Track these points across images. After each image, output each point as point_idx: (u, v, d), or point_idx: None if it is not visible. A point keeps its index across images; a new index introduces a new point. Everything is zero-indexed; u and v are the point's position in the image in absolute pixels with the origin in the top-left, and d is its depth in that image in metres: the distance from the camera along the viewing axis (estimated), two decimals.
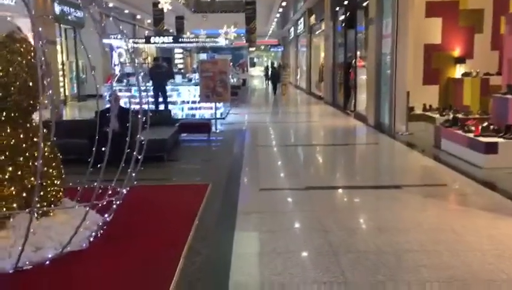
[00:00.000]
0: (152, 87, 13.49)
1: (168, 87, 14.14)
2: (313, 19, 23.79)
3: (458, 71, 11.33)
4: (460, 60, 11.26)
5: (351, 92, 15.95)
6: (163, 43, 15.70)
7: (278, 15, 31.08)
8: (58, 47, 20.27)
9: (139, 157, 4.95)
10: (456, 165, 7.27)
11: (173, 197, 5.95)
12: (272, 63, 33.40)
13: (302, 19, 27.64)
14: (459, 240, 4.22)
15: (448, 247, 4.04)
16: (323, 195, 5.89)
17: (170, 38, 15.78)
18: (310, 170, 7.45)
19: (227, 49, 51.81)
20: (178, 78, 14.39)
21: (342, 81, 17.21)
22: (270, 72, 26.89)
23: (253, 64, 61.62)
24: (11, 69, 4.33)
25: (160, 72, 13.50)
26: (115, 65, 20.64)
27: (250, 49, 56.03)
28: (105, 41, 17.04)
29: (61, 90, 20.17)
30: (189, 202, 5.61)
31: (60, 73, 21.08)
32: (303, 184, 6.33)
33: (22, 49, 4.48)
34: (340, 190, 6.20)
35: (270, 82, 25.68)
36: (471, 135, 7.51)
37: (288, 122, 14.13)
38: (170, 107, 13.87)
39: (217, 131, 11.45)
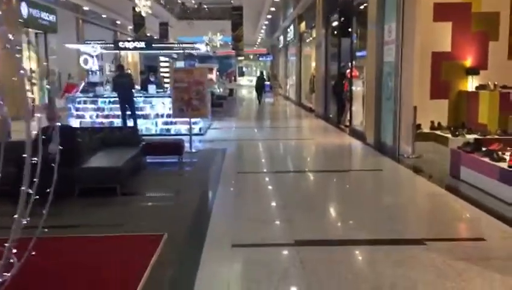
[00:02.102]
0: (118, 100, 11.86)
1: (140, 99, 12.52)
2: (303, 26, 22.35)
3: (471, 84, 9.87)
4: (473, 71, 9.79)
5: (345, 105, 14.44)
6: (134, 48, 14.06)
7: (266, 22, 29.66)
8: (26, 53, 18.61)
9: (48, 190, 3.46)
10: (486, 203, 5.72)
11: (114, 252, 4.31)
12: (261, 73, 31.90)
13: (291, 26, 26.21)
14: None
15: None
16: (320, 255, 4.27)
17: (142, 44, 14.13)
18: (301, 214, 5.43)
19: (215, 58, 50.55)
20: (151, 89, 12.73)
21: (335, 92, 15.70)
22: (255, 82, 26.62)
23: (241, 74, 60.41)
24: None
25: (125, 82, 11.85)
26: (91, 72, 18.95)
27: (239, 58, 54.98)
28: (69, 46, 15.51)
29: (32, 100, 18.49)
30: (134, 261, 3.99)
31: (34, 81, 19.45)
32: (291, 237, 4.71)
33: None
34: (344, 248, 4.50)
35: (255, 91, 25.57)
36: (504, 165, 5.96)
37: (276, 139, 12.52)
38: (141, 121, 12.28)
39: (193, 151, 9.82)
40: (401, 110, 9.09)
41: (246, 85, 49.81)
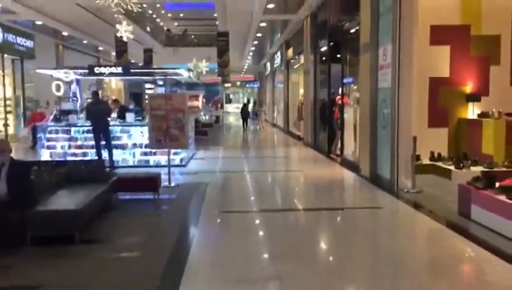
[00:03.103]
0: (92, 128, 10.97)
1: (117, 128, 11.63)
2: (290, 52, 21.80)
3: (471, 111, 9.19)
4: (474, 98, 9.15)
5: (336, 134, 13.69)
6: (111, 74, 13.21)
7: (253, 48, 29.14)
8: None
9: None
10: (507, 251, 4.90)
11: None
12: (248, 100, 31.35)
13: (278, 53, 25.70)
14: None
15: None
16: None
17: (119, 69, 13.28)
18: (293, 269, 4.50)
19: (202, 85, 50.02)
20: (130, 117, 11.86)
21: (324, 120, 15.00)
22: (240, 109, 27.09)
23: (229, 101, 60.06)
24: None
25: (100, 110, 10.97)
26: (72, 99, 17.99)
27: (226, 85, 54.55)
28: (41, 71, 14.63)
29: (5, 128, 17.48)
30: None
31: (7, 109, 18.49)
32: None
33: None
34: None
35: (241, 118, 25.90)
36: None
37: (263, 171, 11.65)
38: (118, 152, 11.37)
39: (172, 185, 8.91)
40: (399, 140, 8.32)
41: (233, 112, 49.32)
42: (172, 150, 10.27)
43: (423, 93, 8.91)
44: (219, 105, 43.08)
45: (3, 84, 18.07)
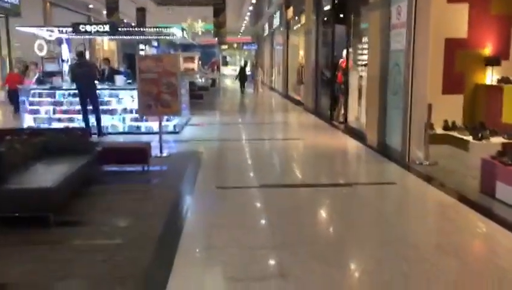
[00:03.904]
0: (78, 93, 10.17)
1: (106, 92, 10.83)
2: (290, 12, 20.74)
3: (490, 76, 8.43)
4: (493, 61, 8.35)
5: (339, 99, 12.94)
6: (96, 32, 12.21)
7: (251, 8, 27.92)
8: None
9: None
10: None
11: None
12: (245, 62, 30.33)
13: (277, 13, 24.56)
14: None
15: None
16: None
17: (106, 28, 12.27)
18: (300, 264, 3.83)
19: (198, 47, 48.61)
20: (120, 80, 11.04)
21: (326, 84, 14.22)
22: (238, 71, 27.00)
23: (225, 63, 58.78)
24: None
25: (86, 72, 10.13)
26: (62, 61, 16.97)
27: (222, 47, 53.10)
28: (22, 29, 13.64)
29: None
30: None
31: None
32: None
33: None
34: None
35: (238, 80, 25.97)
36: None
37: (261, 139, 10.94)
38: (106, 118, 10.63)
39: (163, 155, 8.21)
40: (412, 108, 7.60)
41: (230, 75, 48.18)
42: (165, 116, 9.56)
43: (438, 56, 8.10)
44: (215, 67, 41.85)
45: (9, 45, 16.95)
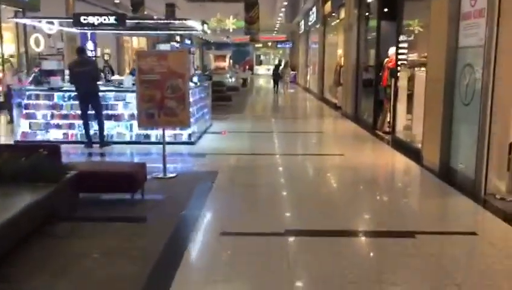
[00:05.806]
0: (77, 96, 8.70)
1: (110, 94, 9.32)
2: (328, 6, 18.87)
3: None
4: None
5: (384, 106, 11.03)
6: (101, 25, 10.58)
7: (285, 3, 26.13)
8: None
9: None
10: None
11: None
12: (279, 61, 28.64)
13: (314, 8, 22.70)
14: None
15: None
16: None
17: (112, 19, 10.61)
18: None
19: (232, 45, 47.16)
20: (127, 81, 9.51)
21: (370, 87, 12.33)
22: (272, 71, 26.15)
23: (259, 62, 57.27)
24: None
25: (86, 72, 8.61)
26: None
27: (257, 45, 51.48)
28: (20, 20, 12.33)
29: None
30: None
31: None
32: None
33: None
34: None
35: (272, 80, 25.25)
36: None
37: (292, 154, 9.11)
38: (111, 125, 9.16)
39: (166, 176, 6.58)
40: (492, 123, 5.68)
41: (263, 74, 46.66)
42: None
43: None
44: (247, 67, 40.29)
45: (1, 42, 15.82)
